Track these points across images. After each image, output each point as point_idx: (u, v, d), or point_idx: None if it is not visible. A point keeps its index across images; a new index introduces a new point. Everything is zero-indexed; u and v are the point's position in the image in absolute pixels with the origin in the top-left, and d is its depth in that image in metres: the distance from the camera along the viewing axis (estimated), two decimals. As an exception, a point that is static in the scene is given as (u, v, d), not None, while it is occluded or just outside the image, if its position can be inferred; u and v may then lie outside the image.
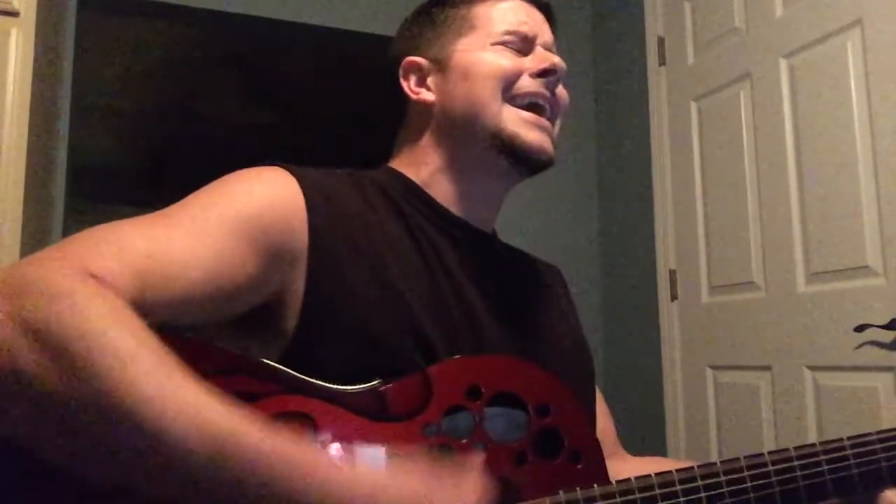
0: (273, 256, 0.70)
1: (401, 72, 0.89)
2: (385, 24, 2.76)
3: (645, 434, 2.47)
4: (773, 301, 2.04)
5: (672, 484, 0.69)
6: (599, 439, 0.89)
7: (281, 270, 0.71)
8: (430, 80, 0.87)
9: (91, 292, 0.55)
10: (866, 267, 1.79)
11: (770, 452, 0.73)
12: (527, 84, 0.83)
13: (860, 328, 1.76)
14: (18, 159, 1.86)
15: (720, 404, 2.23)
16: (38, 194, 2.10)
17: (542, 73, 0.84)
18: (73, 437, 0.53)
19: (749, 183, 2.14)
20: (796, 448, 0.74)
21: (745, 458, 0.73)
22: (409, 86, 0.88)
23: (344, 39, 2.85)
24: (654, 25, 2.57)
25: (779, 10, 2.09)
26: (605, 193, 2.85)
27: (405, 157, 0.89)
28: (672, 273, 2.44)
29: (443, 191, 0.85)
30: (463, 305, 0.79)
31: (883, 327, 1.72)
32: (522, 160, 0.83)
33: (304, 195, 0.73)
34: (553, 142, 0.85)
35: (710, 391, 2.26)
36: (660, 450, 2.41)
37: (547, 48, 0.87)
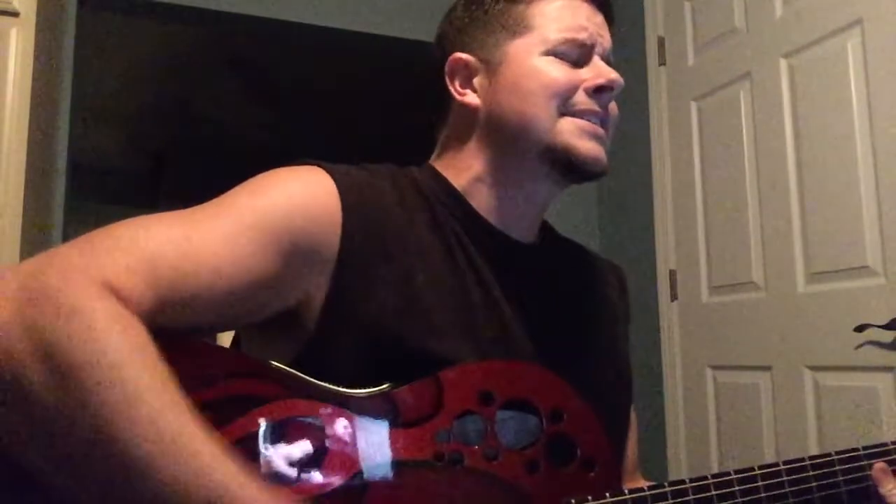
0: (302, 263, 0.68)
1: (447, 68, 0.83)
2: (386, 25, 2.76)
3: (645, 434, 2.46)
4: (773, 301, 2.04)
5: (685, 493, 0.69)
6: (625, 458, 0.86)
7: (309, 276, 0.69)
8: (476, 81, 0.82)
9: (110, 314, 0.55)
10: (866, 267, 1.79)
11: (785, 462, 0.73)
12: (581, 101, 0.79)
13: (860, 328, 1.76)
14: (18, 159, 1.86)
15: (720, 404, 2.23)
16: (38, 194, 2.10)
17: (598, 90, 0.79)
18: (62, 459, 0.53)
19: (749, 183, 2.14)
20: (811, 458, 0.74)
21: (759, 467, 0.72)
22: (455, 85, 0.83)
23: (344, 39, 2.85)
24: (654, 25, 2.57)
25: (779, 10, 2.08)
26: (605, 193, 2.85)
27: (447, 159, 0.85)
28: (672, 273, 2.44)
29: (483, 200, 0.81)
30: (495, 320, 0.76)
31: (883, 327, 1.72)
32: (577, 171, 0.79)
33: (340, 196, 0.70)
34: (606, 151, 0.81)
35: (710, 391, 2.26)
36: (660, 450, 2.41)
37: (605, 56, 0.82)
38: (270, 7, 2.68)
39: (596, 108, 0.79)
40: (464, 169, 0.82)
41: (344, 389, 0.66)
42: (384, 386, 0.68)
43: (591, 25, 0.81)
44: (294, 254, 0.67)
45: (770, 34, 2.10)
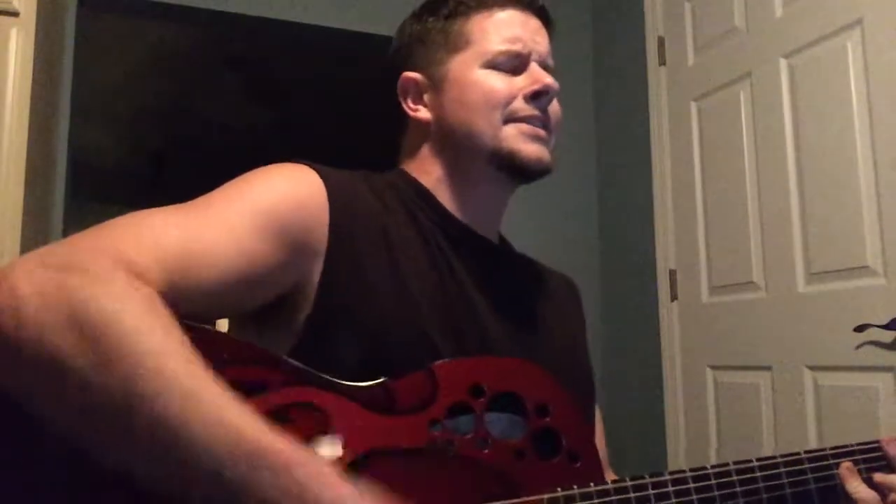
0: (295, 250, 0.72)
1: (399, 87, 0.90)
2: (385, 25, 2.76)
3: (645, 434, 2.47)
4: (773, 301, 2.04)
5: (665, 485, 0.72)
6: None
7: (301, 264, 0.73)
8: (426, 97, 0.88)
9: (128, 282, 0.58)
10: (866, 267, 1.79)
11: (761, 459, 0.76)
12: (521, 107, 0.85)
13: (860, 328, 1.76)
14: (18, 159, 1.86)
15: (720, 404, 2.23)
16: (38, 194, 2.10)
17: (535, 96, 0.85)
18: (91, 418, 0.54)
19: (749, 183, 2.14)
20: (783, 455, 0.78)
21: (734, 463, 0.75)
22: (407, 102, 0.89)
23: (344, 39, 2.85)
24: (654, 25, 2.57)
25: (779, 10, 2.08)
26: (605, 193, 2.85)
27: (412, 164, 0.90)
28: (672, 273, 2.44)
29: (447, 198, 0.87)
30: (469, 308, 0.81)
31: (883, 327, 1.72)
32: (521, 172, 0.85)
33: (328, 192, 0.75)
34: (550, 150, 0.87)
35: (710, 391, 2.26)
36: (660, 450, 2.41)
37: (542, 61, 0.88)
38: (270, 7, 2.68)
39: (536, 112, 0.85)
40: (426, 172, 0.88)
41: (343, 381, 0.69)
42: (381, 380, 0.71)
43: (526, 34, 0.87)
44: (287, 242, 0.72)
45: (770, 34, 2.10)
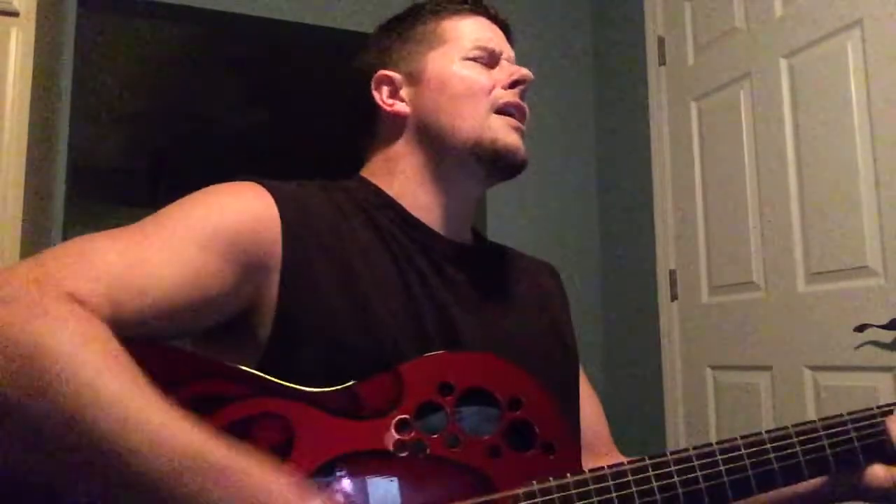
0: (246, 269, 0.71)
1: (373, 84, 0.90)
2: (385, 24, 2.76)
3: (645, 434, 2.47)
4: (773, 301, 2.04)
5: (645, 470, 0.71)
6: (590, 440, 0.90)
7: (254, 282, 0.72)
8: (403, 93, 0.89)
9: (65, 311, 0.57)
10: (866, 267, 1.79)
11: (743, 436, 0.76)
12: (503, 95, 0.87)
13: (860, 328, 1.76)
14: (18, 159, 1.86)
15: (720, 404, 2.23)
16: (38, 194, 2.10)
17: (514, 84, 0.88)
18: (35, 451, 0.54)
19: (749, 183, 2.14)
20: (769, 431, 0.77)
21: (717, 443, 0.75)
22: (382, 97, 0.89)
23: (344, 40, 2.85)
24: (654, 25, 2.57)
25: (779, 10, 2.08)
26: (605, 193, 2.85)
27: (377, 168, 0.90)
28: (672, 273, 2.44)
29: (415, 201, 0.87)
30: (437, 311, 0.80)
31: (883, 327, 1.72)
32: (503, 163, 0.86)
33: (279, 208, 0.74)
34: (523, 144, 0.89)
35: (710, 391, 2.26)
36: (660, 450, 2.40)
37: (511, 62, 0.91)
38: (270, 7, 2.68)
39: (517, 99, 0.88)
40: (395, 173, 0.88)
41: (307, 388, 0.69)
42: (348, 384, 0.70)
43: (496, 37, 0.91)
44: (238, 263, 0.71)
45: (770, 34, 2.10)
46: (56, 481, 0.55)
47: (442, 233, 0.87)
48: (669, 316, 2.43)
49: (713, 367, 2.26)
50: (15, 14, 1.89)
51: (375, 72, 0.90)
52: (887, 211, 1.75)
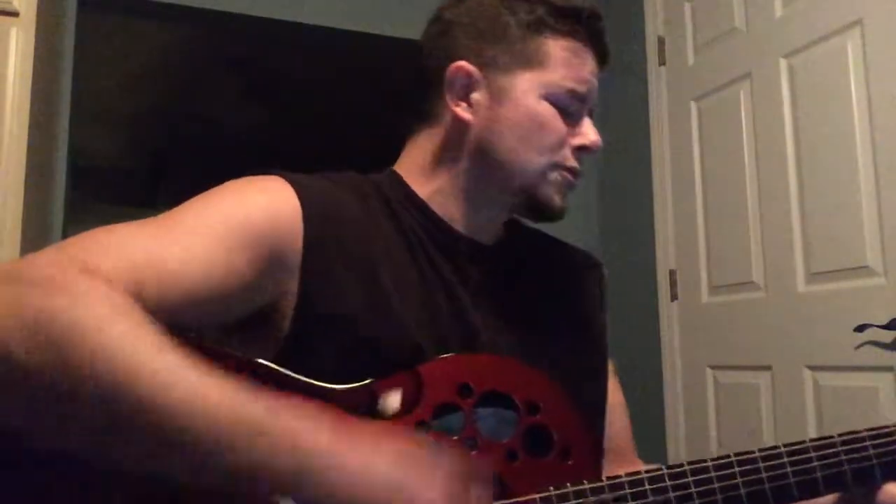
0: (267, 264, 0.70)
1: (447, 73, 0.81)
2: (386, 25, 2.76)
3: (645, 434, 2.46)
4: (773, 301, 2.04)
5: (662, 479, 0.70)
6: (615, 448, 0.87)
7: (275, 278, 0.71)
8: (474, 97, 0.81)
9: (89, 286, 0.56)
10: (866, 267, 1.79)
11: (761, 449, 0.75)
12: (568, 157, 0.83)
13: (860, 328, 1.76)
14: (18, 159, 1.86)
15: (720, 404, 2.23)
16: (38, 194, 2.10)
17: (581, 149, 0.83)
18: (72, 426, 0.53)
19: (749, 183, 2.14)
20: (787, 445, 0.76)
21: (735, 454, 0.73)
22: (453, 92, 0.82)
23: (344, 39, 2.85)
24: (654, 25, 2.57)
25: (779, 10, 2.08)
26: (605, 193, 2.85)
27: (414, 165, 0.85)
28: (672, 273, 2.44)
29: (447, 208, 0.84)
30: (458, 314, 0.79)
31: (883, 327, 1.72)
32: (541, 216, 0.85)
33: (301, 204, 0.73)
34: None
35: (710, 391, 2.26)
36: (660, 450, 2.41)
37: (593, 111, 0.86)
38: (270, 7, 2.68)
39: (577, 165, 0.84)
40: (432, 178, 0.84)
41: (326, 385, 0.68)
42: (367, 381, 0.70)
43: (592, 78, 0.84)
44: (260, 257, 0.70)
45: (770, 34, 2.10)
46: (102, 458, 0.54)
47: (471, 236, 0.84)
48: (669, 316, 2.43)
49: (713, 367, 2.26)
50: (15, 14, 1.89)
51: (454, 55, 0.81)
52: (887, 211, 1.75)
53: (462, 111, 0.81)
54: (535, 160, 0.81)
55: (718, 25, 2.30)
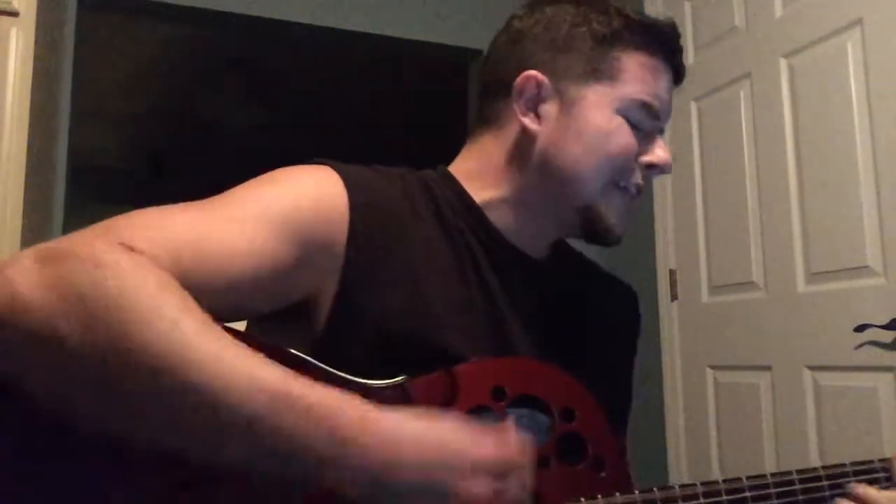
0: (312, 253, 0.70)
1: (517, 83, 0.79)
2: (386, 25, 2.76)
3: (645, 434, 2.47)
4: (773, 301, 2.04)
5: (696, 497, 0.69)
6: None
7: (317, 267, 0.71)
8: (543, 108, 0.79)
9: (134, 262, 0.56)
10: (866, 267, 1.79)
11: (773, 474, 0.74)
12: (635, 175, 0.80)
13: (860, 328, 1.76)
14: (18, 159, 1.86)
15: (720, 404, 2.23)
16: (38, 194, 2.10)
17: (651, 167, 0.81)
18: (116, 401, 0.54)
19: (749, 183, 2.14)
20: (799, 472, 0.75)
21: (772, 475, 0.73)
22: (521, 101, 0.80)
23: (344, 39, 2.85)
24: (654, 25, 2.57)
25: (779, 10, 2.08)
26: (605, 193, 2.85)
27: (472, 169, 0.83)
28: (672, 273, 2.44)
29: (502, 217, 0.81)
30: (496, 323, 0.78)
31: (883, 327, 1.72)
32: (595, 238, 0.82)
33: (349, 196, 0.72)
34: None
35: (710, 391, 2.26)
36: (660, 450, 2.41)
37: (664, 129, 0.83)
38: (270, 7, 2.68)
39: (642, 182, 0.81)
40: (491, 185, 0.82)
41: (360, 379, 0.67)
42: (400, 378, 0.69)
43: (666, 95, 0.81)
44: (303, 247, 0.69)
45: (770, 34, 2.10)
46: (141, 432, 0.54)
47: (522, 249, 0.82)
48: (669, 316, 2.43)
49: (713, 367, 2.26)
50: (15, 14, 1.89)
51: (525, 64, 0.80)
52: (887, 211, 1.75)
53: (530, 121, 0.79)
54: (600, 174, 0.78)
55: (718, 25, 2.30)
